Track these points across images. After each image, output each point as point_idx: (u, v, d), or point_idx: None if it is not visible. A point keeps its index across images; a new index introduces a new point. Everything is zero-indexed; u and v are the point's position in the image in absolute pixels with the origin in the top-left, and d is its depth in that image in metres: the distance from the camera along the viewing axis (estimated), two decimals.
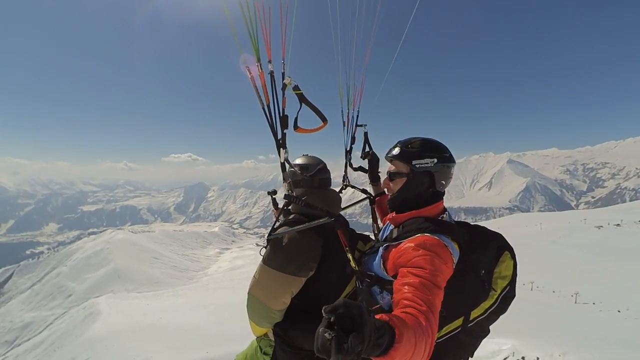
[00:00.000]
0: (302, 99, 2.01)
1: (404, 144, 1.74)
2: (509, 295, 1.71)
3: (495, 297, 1.68)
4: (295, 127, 1.99)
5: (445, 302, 1.28)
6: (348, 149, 2.78)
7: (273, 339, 2.12)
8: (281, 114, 1.94)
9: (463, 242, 1.57)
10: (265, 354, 2.23)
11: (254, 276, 1.96)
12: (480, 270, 1.67)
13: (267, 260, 1.92)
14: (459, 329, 1.67)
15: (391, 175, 1.78)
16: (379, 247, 1.71)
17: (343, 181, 2.82)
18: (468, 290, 1.64)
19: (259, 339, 2.29)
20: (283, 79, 1.94)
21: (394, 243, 1.59)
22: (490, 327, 1.78)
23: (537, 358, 10.56)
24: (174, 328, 22.41)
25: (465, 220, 1.90)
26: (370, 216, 2.48)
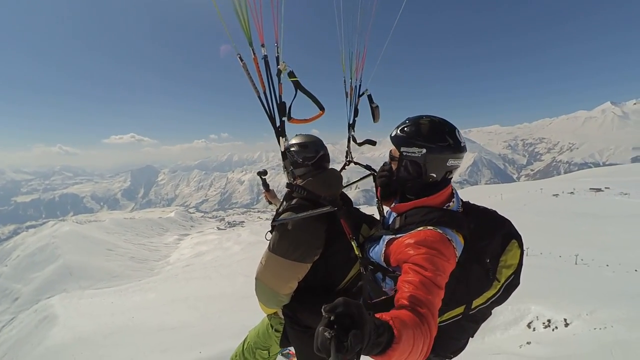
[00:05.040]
0: (297, 86, 1.91)
1: (402, 126, 1.63)
2: (513, 283, 1.68)
3: (499, 287, 1.65)
4: (289, 117, 1.91)
5: (447, 291, 1.28)
6: (351, 122, 2.56)
7: (283, 317, 2.17)
8: (278, 101, 1.87)
9: (468, 233, 1.52)
10: (276, 330, 2.35)
11: (260, 262, 1.98)
12: (485, 258, 1.62)
13: (272, 247, 1.94)
14: (460, 316, 1.66)
15: (390, 157, 1.73)
16: (381, 236, 1.64)
17: (346, 157, 2.61)
18: (471, 280, 1.61)
19: (269, 316, 2.39)
20: (277, 64, 1.83)
21: (396, 236, 1.53)
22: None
23: (565, 319, 10.32)
24: (154, 328, 20.17)
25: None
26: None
